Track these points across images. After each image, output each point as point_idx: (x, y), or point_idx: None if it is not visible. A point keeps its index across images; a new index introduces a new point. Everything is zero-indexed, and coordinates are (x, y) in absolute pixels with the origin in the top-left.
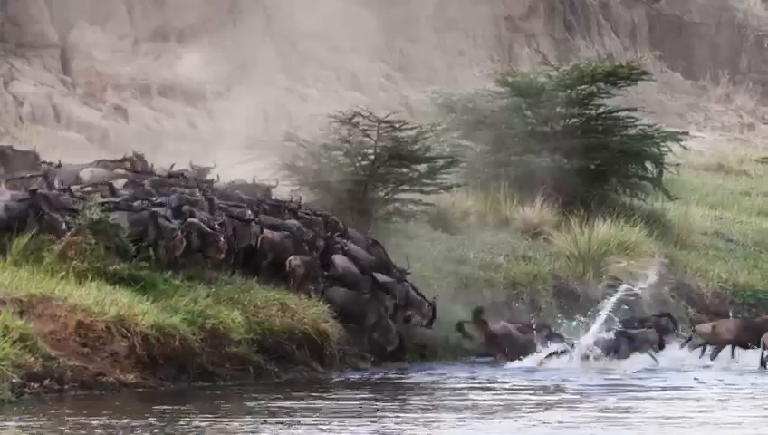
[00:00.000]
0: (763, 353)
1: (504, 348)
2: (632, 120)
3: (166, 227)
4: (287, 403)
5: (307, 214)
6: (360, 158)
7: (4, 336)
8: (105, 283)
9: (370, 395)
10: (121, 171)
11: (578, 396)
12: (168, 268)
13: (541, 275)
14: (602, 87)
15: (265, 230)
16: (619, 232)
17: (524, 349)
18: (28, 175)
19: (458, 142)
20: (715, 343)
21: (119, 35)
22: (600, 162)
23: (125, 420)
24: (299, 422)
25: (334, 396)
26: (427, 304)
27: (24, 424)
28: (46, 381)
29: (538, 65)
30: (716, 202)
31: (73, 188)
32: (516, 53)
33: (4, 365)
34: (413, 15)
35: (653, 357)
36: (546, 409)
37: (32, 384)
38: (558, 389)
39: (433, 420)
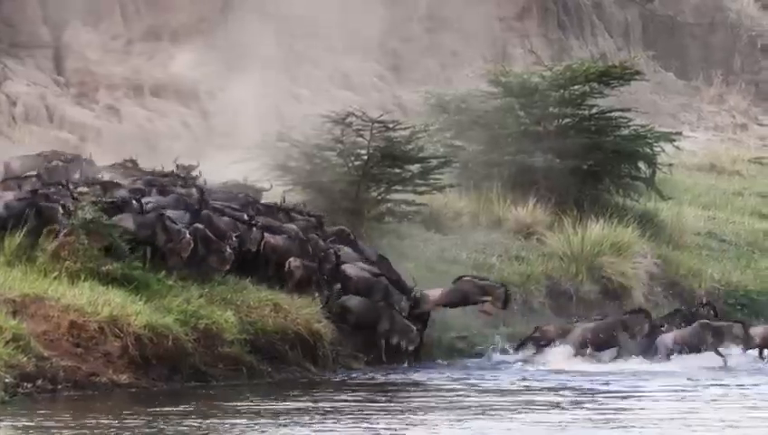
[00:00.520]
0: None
1: None
2: (625, 120)
3: (173, 229)
4: (280, 403)
5: (300, 214)
6: (352, 158)
7: None
8: (98, 283)
9: (364, 395)
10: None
11: (575, 397)
12: (173, 271)
13: (533, 276)
14: (595, 87)
15: (266, 235)
16: (611, 232)
17: None
18: (23, 176)
19: (451, 142)
20: None
21: (112, 35)
22: (593, 162)
23: (117, 421)
24: (292, 423)
25: (327, 396)
26: (414, 330)
27: (17, 424)
28: (39, 382)
29: (531, 65)
30: (709, 202)
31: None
32: (509, 53)
33: None
34: (406, 15)
35: (721, 356)
36: (543, 409)
37: (25, 384)
38: (555, 390)
39: (427, 420)
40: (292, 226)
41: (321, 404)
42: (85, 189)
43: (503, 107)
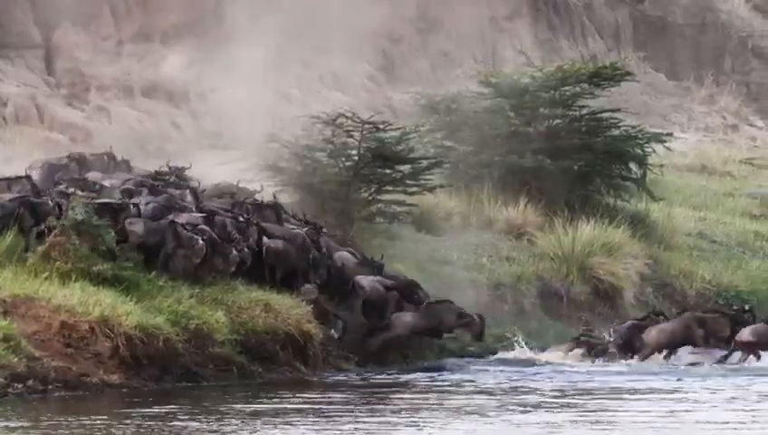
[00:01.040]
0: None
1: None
2: (616, 120)
3: (185, 236)
4: (270, 404)
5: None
6: (343, 159)
7: None
8: (89, 283)
9: (354, 396)
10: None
11: (567, 397)
12: (185, 279)
13: (524, 276)
14: (586, 88)
15: (265, 239)
16: (602, 233)
17: None
18: (14, 177)
19: (442, 143)
20: None
21: (102, 36)
22: (584, 163)
23: (108, 421)
24: (283, 423)
25: (318, 397)
26: None
27: (10, 425)
28: (30, 382)
29: (522, 66)
30: (700, 203)
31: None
32: (500, 54)
33: None
34: (397, 16)
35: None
36: (534, 410)
37: (15, 385)
38: (547, 390)
39: (418, 420)
40: (294, 230)
41: (311, 405)
42: (80, 192)
43: (493, 108)
